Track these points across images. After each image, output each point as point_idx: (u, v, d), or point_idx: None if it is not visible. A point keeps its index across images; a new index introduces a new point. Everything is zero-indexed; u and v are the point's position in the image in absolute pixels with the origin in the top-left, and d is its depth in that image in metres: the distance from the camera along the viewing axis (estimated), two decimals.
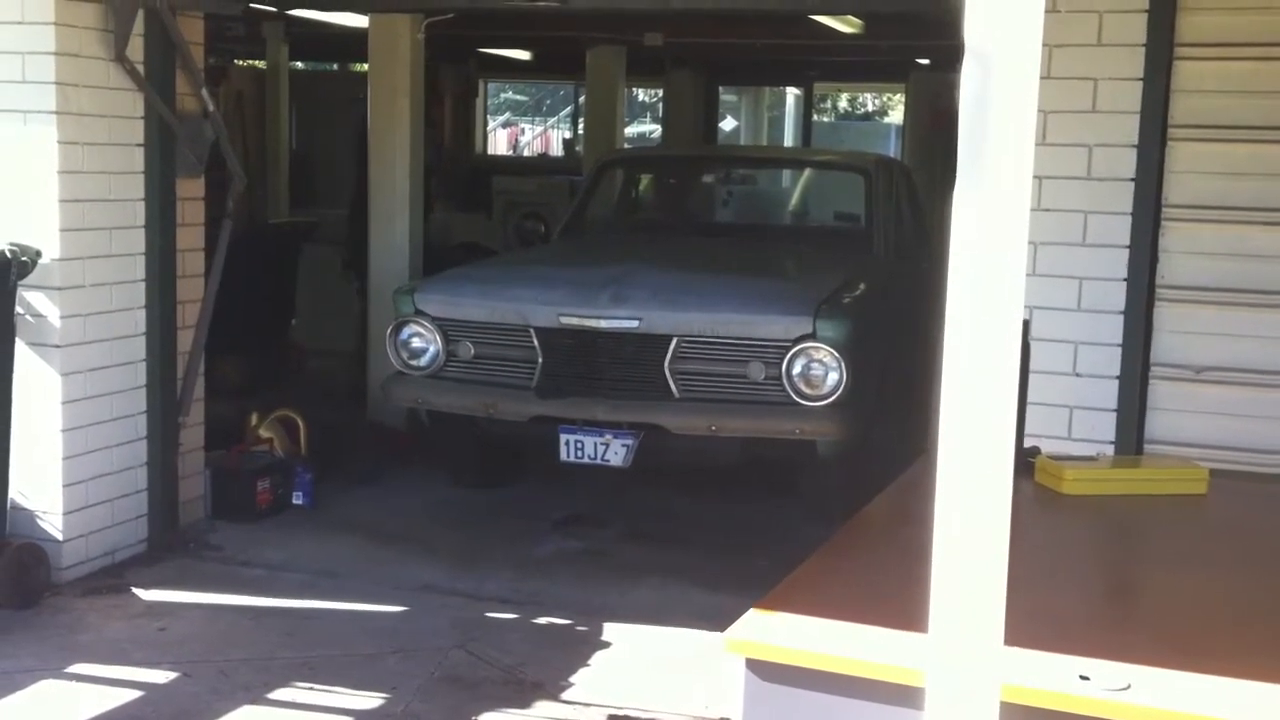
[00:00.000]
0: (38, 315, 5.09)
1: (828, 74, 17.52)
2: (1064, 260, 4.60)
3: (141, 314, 5.48)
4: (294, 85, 13.18)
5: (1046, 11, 1.52)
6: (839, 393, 5.57)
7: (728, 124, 21.17)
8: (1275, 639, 2.14)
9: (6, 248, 4.82)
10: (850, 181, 7.73)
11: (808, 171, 9.35)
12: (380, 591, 5.23)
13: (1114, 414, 4.62)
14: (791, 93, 21.47)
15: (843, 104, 28.99)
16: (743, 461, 5.95)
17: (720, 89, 17.45)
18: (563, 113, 25.03)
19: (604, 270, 6.21)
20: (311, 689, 4.30)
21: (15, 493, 5.06)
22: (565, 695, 4.32)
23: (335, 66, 17.24)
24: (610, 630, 4.90)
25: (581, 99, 15.97)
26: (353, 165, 9.51)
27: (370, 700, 4.24)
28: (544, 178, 13.87)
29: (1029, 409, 3.10)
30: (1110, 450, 4.54)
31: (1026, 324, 2.95)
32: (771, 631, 2.02)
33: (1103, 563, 2.79)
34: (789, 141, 21.58)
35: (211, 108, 5.76)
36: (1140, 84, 4.50)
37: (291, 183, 12.77)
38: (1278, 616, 2.27)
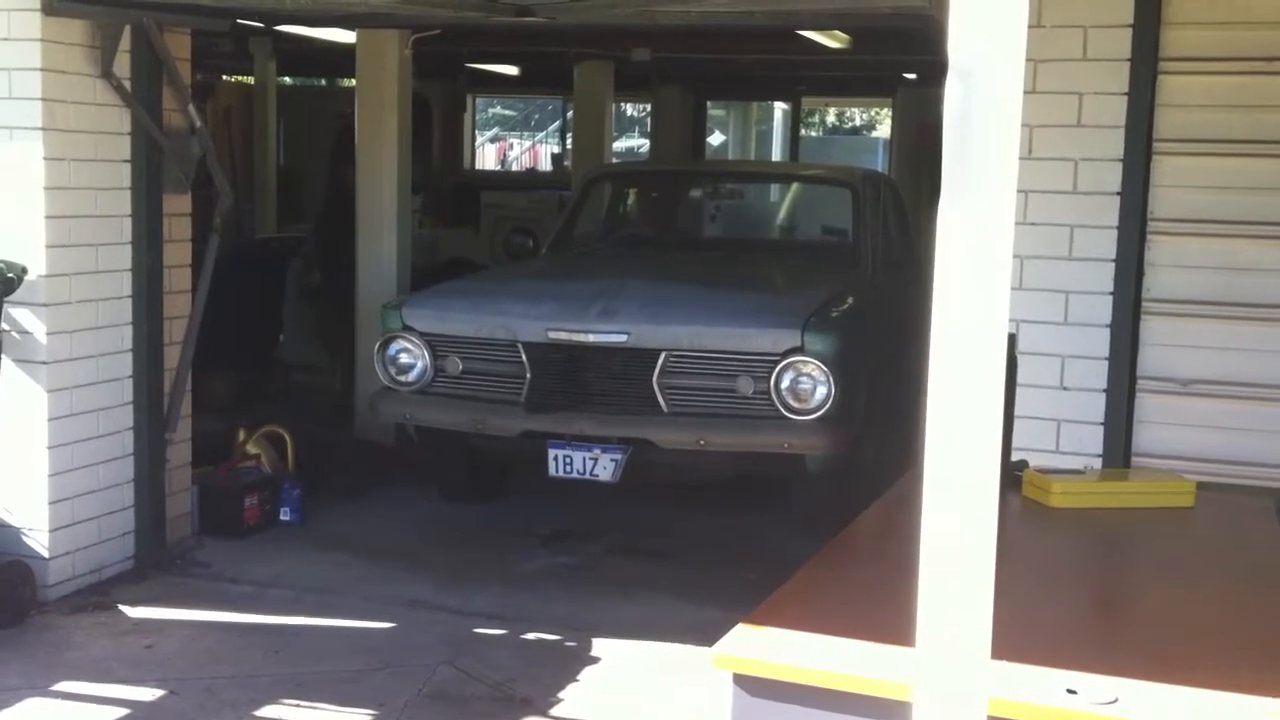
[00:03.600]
0: (24, 332, 5.07)
1: (815, 89, 17.56)
2: (1051, 274, 4.61)
3: (128, 330, 5.46)
4: (282, 101, 13.18)
5: (1031, 27, 1.53)
6: (827, 406, 5.57)
7: (715, 138, 21.21)
8: (1262, 652, 2.14)
9: None
10: (837, 196, 7.74)
11: (795, 186, 9.37)
12: (368, 608, 5.21)
13: (1101, 427, 4.62)
14: (779, 107, 21.51)
15: (830, 118, 29.06)
16: (732, 476, 5.94)
17: (708, 103, 17.47)
18: (551, 128, 25.07)
19: (592, 285, 6.21)
20: (299, 706, 4.28)
21: (0, 510, 5.03)
22: (554, 711, 4.31)
23: (323, 82, 17.24)
24: (599, 645, 4.89)
25: (570, 114, 15.97)
26: (326, 180, 9.49)
27: (358, 717, 4.22)
28: (532, 193, 13.87)
29: (1017, 422, 3.10)
30: (1098, 463, 4.54)
31: (1013, 337, 2.96)
32: (758, 646, 2.01)
33: (1090, 576, 2.79)
34: (776, 156, 21.62)
35: (198, 123, 5.75)
36: (1125, 98, 4.52)
37: (279, 198, 12.75)
38: (1265, 629, 2.28)
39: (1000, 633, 1.43)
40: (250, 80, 13.24)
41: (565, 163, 17.29)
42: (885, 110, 21.25)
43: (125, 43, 5.30)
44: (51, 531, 5.14)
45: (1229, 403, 4.58)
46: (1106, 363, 4.61)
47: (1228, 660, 2.06)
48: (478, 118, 20.77)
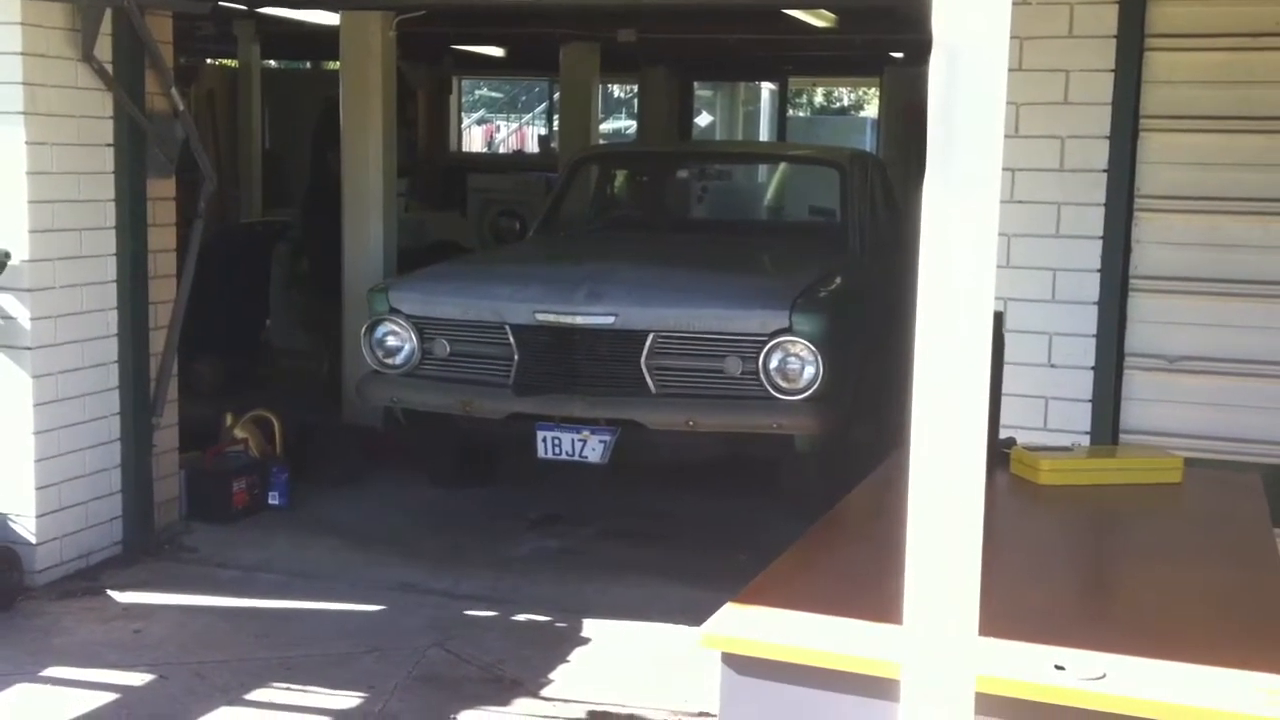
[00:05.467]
0: (8, 317, 5.04)
1: (802, 69, 17.54)
2: (1038, 252, 4.61)
3: (113, 315, 5.44)
4: (266, 84, 13.11)
5: (1017, 4, 1.53)
6: (816, 386, 5.57)
7: (703, 119, 21.18)
8: (1249, 627, 2.15)
9: None
10: (825, 176, 7.73)
11: (782, 167, 9.36)
12: (357, 591, 5.21)
13: (1089, 404, 4.64)
14: (766, 87, 21.50)
15: (818, 98, 29.04)
16: (721, 457, 5.94)
17: (695, 84, 17.44)
18: (538, 109, 25.01)
19: (579, 267, 6.20)
20: (288, 689, 4.27)
21: None
22: (544, 692, 4.31)
23: (308, 65, 17.16)
24: (589, 627, 4.89)
25: (556, 95, 15.93)
26: (310, 163, 9.44)
27: (347, 700, 4.21)
28: (519, 175, 13.84)
29: (1004, 400, 3.10)
30: (1086, 440, 4.56)
31: (1000, 316, 2.95)
32: (747, 626, 2.01)
33: (1078, 553, 2.80)
34: (764, 136, 21.60)
35: (181, 107, 5.71)
36: (1112, 75, 4.51)
37: (264, 182, 12.70)
38: (1251, 604, 2.28)
39: (988, 610, 1.43)
40: (234, 63, 13.17)
41: (552, 145, 17.27)
42: (873, 90, 21.25)
43: (106, 26, 5.26)
44: (39, 517, 5.13)
45: (1216, 379, 4.59)
46: (1094, 340, 4.62)
47: (1215, 636, 2.07)
48: (464, 100, 20.71)
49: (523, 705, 4.21)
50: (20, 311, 5.04)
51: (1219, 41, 4.50)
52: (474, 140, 24.97)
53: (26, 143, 4.97)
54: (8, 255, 4.93)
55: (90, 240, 5.31)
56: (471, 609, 5.06)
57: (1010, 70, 1.39)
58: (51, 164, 5.09)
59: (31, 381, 5.07)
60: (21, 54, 4.92)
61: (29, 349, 5.06)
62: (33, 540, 5.11)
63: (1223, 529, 2.83)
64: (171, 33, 5.83)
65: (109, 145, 5.37)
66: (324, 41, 9.72)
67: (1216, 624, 2.16)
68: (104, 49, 5.27)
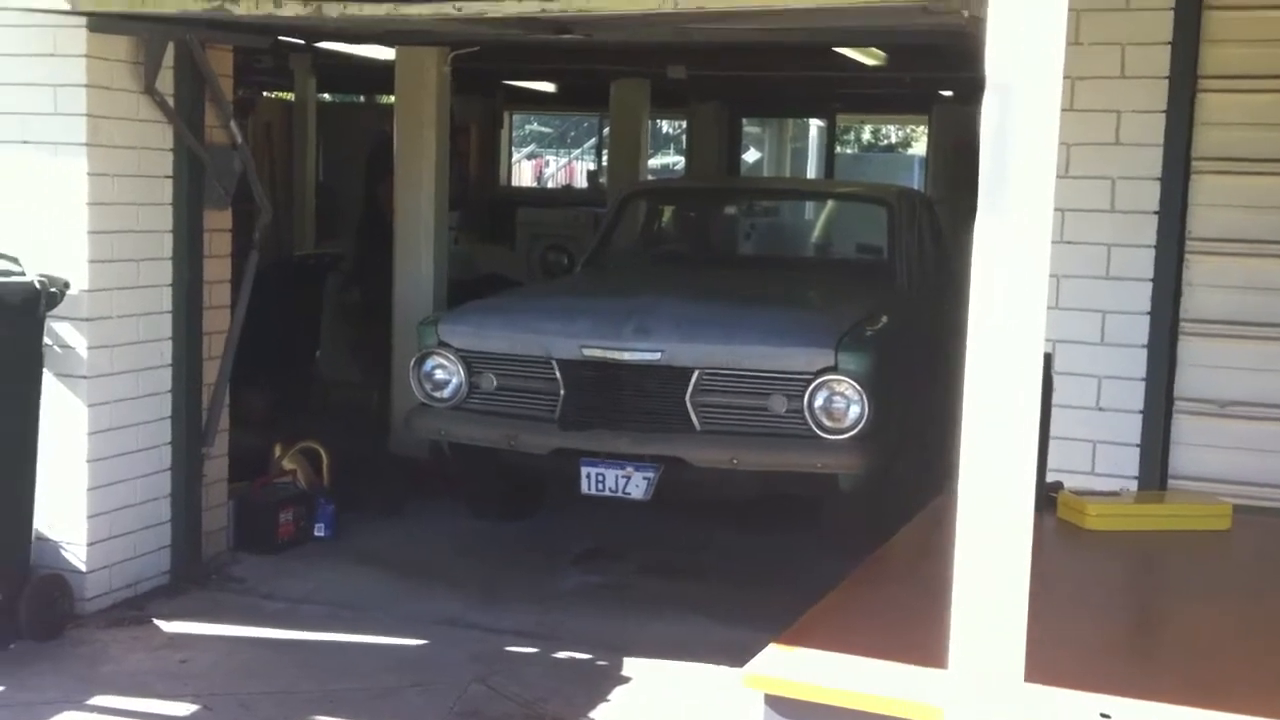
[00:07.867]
0: (65, 346, 5.12)
1: (851, 106, 17.53)
2: (1087, 293, 4.57)
3: (168, 345, 5.51)
4: (321, 117, 13.27)
5: (1069, 44, 1.53)
6: (861, 426, 5.55)
7: (751, 155, 21.22)
8: None
9: (36, 279, 4.85)
10: (872, 213, 7.73)
11: (830, 203, 9.37)
12: (400, 624, 5.22)
13: (1137, 449, 4.58)
14: (814, 124, 21.50)
15: (866, 135, 29.03)
16: (764, 495, 5.92)
17: (743, 120, 17.49)
18: (587, 144, 25.16)
19: (626, 302, 6.21)
20: None
21: (40, 524, 5.06)
22: None
23: (362, 98, 17.37)
24: (630, 665, 4.88)
25: (606, 131, 16.02)
26: (362, 196, 9.54)
27: None
28: (568, 209, 13.92)
29: (1052, 444, 3.08)
30: (1134, 486, 4.50)
31: (1049, 358, 2.93)
32: (790, 667, 2.00)
33: (1125, 599, 2.77)
34: (812, 173, 21.61)
35: (240, 140, 5.80)
36: (1163, 116, 4.48)
37: (317, 214, 12.84)
38: None
39: (1034, 655, 1.42)
40: (291, 97, 13.36)
41: (601, 179, 17.34)
42: (921, 128, 21.23)
43: (168, 59, 5.35)
44: (89, 545, 5.18)
45: (1267, 424, 4.53)
46: (1143, 383, 4.57)
47: (1265, 685, 2.04)
48: (514, 134, 20.87)
49: None
50: (78, 340, 5.12)
51: (1272, 83, 4.46)
52: (524, 174, 25.13)
53: (88, 174, 5.06)
54: (67, 285, 5.00)
55: (147, 270, 5.39)
56: (514, 644, 5.06)
57: (1061, 110, 1.39)
58: (112, 195, 5.18)
59: (86, 410, 5.14)
60: (85, 86, 5.02)
61: (85, 378, 5.13)
62: (83, 568, 5.17)
63: (1272, 576, 2.79)
64: (232, 66, 5.93)
65: (168, 177, 5.46)
66: (379, 76, 9.84)
67: (1266, 672, 2.13)
68: (165, 82, 5.36)
